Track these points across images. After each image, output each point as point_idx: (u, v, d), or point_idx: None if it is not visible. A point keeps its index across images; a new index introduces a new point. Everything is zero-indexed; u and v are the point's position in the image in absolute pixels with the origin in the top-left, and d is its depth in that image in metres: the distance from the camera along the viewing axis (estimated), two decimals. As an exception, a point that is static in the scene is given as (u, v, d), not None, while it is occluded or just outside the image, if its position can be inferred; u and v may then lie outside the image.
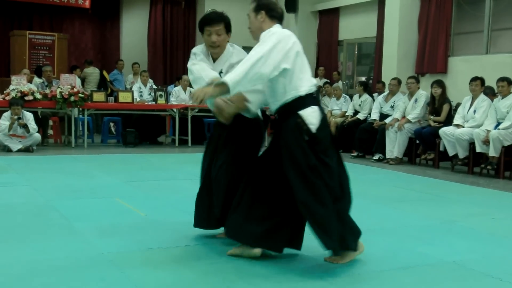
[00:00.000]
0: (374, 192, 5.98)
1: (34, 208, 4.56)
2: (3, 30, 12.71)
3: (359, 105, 9.76)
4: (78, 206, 4.66)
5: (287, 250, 3.31)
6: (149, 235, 3.81)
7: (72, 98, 8.82)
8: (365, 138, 9.02)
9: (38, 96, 8.77)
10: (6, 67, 12.55)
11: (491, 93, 7.94)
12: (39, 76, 10.22)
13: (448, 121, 8.04)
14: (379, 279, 3.08)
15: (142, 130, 10.05)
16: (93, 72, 12.20)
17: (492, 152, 7.14)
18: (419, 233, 4.11)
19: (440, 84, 8.28)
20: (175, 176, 6.65)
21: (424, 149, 8.39)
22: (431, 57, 10.27)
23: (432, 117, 8.28)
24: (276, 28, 3.22)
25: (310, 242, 3.30)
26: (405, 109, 8.57)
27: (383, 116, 8.97)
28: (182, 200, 5.05)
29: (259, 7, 3.30)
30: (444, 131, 7.73)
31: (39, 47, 12.05)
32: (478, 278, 3.13)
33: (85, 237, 3.71)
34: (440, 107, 8.22)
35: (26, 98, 8.58)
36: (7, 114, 8.33)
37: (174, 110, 9.84)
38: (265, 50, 3.01)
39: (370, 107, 9.60)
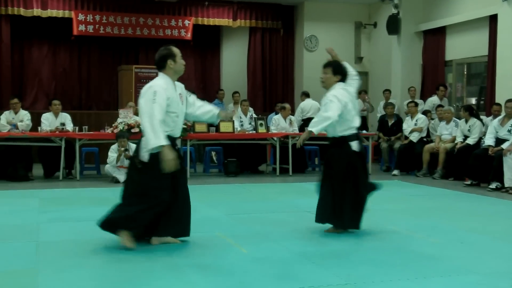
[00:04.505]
0: (495, 227, 5.45)
1: (139, 243, 4.56)
2: (112, 65, 13.40)
3: (468, 130, 9.17)
4: (181, 242, 4.60)
5: None
6: (252, 275, 3.64)
7: (176, 129, 9.00)
8: (479, 165, 8.36)
9: (144, 128, 9.03)
10: (114, 100, 13.18)
11: None
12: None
13: None
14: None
15: (243, 159, 10.06)
16: (195, 103, 12.45)
17: None
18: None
19: None
20: (278, 208, 6.47)
21: (549, 177, 7.62)
22: (552, 75, 9.41)
23: (556, 141, 7.52)
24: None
25: None
26: (525, 133, 7.87)
27: (499, 141, 8.28)
28: (286, 235, 4.86)
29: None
30: None
31: (144, 80, 12.51)
32: None
33: (188, 275, 3.62)
34: None
35: (132, 130, 8.87)
36: (114, 147, 8.65)
37: (275, 138, 9.76)
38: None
39: (480, 131, 9.01)
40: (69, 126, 9.21)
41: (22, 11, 11.99)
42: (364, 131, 10.93)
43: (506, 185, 7.81)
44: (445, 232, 5.07)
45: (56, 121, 9.20)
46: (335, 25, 13.99)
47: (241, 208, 6.40)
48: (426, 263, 3.98)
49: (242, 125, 10.27)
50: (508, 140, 8.09)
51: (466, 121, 9.24)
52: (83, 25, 12.48)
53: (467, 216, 6.10)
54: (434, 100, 11.10)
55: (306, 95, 11.89)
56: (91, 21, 12.53)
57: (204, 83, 14.47)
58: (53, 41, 13.09)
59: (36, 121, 9.40)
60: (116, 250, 4.29)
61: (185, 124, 9.22)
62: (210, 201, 6.88)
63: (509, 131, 8.20)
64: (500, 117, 8.59)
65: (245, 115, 10.45)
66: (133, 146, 8.66)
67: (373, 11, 14.15)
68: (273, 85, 14.33)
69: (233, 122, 10.10)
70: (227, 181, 9.10)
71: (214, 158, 11.07)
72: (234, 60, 14.57)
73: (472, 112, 9.28)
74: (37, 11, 12.08)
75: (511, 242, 4.71)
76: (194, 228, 5.18)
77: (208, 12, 13.43)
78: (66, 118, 9.32)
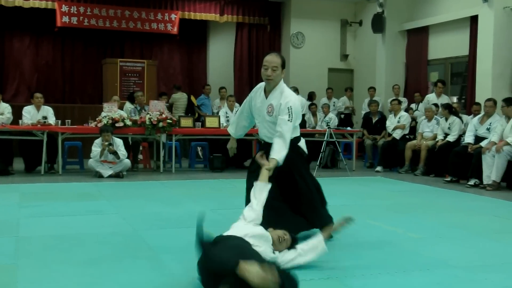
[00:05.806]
0: (472, 222, 5.58)
1: (122, 238, 4.58)
2: (97, 58, 13.32)
3: (448, 127, 9.34)
4: (165, 237, 4.65)
5: None
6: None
7: (161, 124, 9.02)
8: (459, 162, 8.52)
9: (128, 122, 9.02)
10: (99, 94, 13.12)
11: None
12: (132, 102, 10.55)
13: (554, 145, 7.42)
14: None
15: (228, 154, 10.05)
16: (180, 98, 12.45)
17: None
18: (529, 274, 3.72)
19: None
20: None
21: (526, 174, 7.79)
22: (531, 75, 9.60)
23: (534, 140, 7.68)
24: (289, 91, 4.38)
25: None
26: (503, 131, 8.02)
27: (478, 139, 8.45)
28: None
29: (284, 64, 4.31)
30: (550, 155, 7.13)
31: (129, 74, 12.51)
32: None
33: (172, 272, 3.65)
34: (544, 129, 7.61)
35: (117, 125, 8.86)
36: (98, 141, 8.61)
37: (259, 134, 9.79)
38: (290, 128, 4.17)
39: (460, 128, 9.19)
40: (52, 119, 9.09)
41: (3, 1, 11.79)
42: (348, 128, 11.06)
43: (484, 182, 7.96)
44: (425, 227, 5.18)
45: (38, 114, 9.09)
46: (321, 22, 14.08)
47: (226, 204, 6.43)
48: (406, 257, 4.07)
49: (228, 121, 10.28)
50: (487, 138, 8.26)
51: (446, 119, 9.40)
52: (67, 16, 12.37)
53: (447, 211, 6.22)
54: (430, 97, 10.98)
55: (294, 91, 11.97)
56: (75, 12, 12.42)
57: (190, 78, 14.45)
58: (36, 33, 12.95)
59: (17, 114, 9.26)
60: (99, 245, 4.31)
61: (170, 119, 9.26)
62: (195, 196, 6.90)
63: (488, 129, 8.38)
64: (479, 115, 8.75)
65: (231, 110, 10.47)
66: (117, 140, 8.67)
67: (358, 10, 14.26)
68: (260, 81, 14.24)
69: (219, 117, 10.15)
70: (212, 176, 9.12)
71: (200, 153, 11.09)
72: (220, 56, 14.57)
73: (451, 110, 9.44)
74: (18, 1, 11.90)
75: (487, 237, 4.83)
76: (179, 223, 5.26)
77: (195, 6, 13.41)
78: (48, 111, 9.22)
